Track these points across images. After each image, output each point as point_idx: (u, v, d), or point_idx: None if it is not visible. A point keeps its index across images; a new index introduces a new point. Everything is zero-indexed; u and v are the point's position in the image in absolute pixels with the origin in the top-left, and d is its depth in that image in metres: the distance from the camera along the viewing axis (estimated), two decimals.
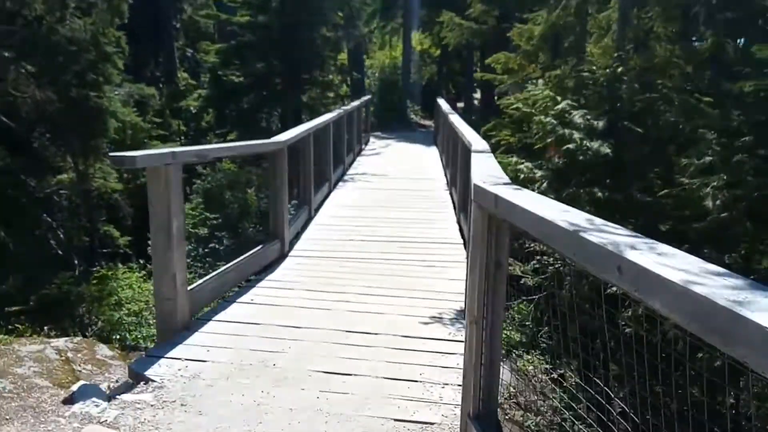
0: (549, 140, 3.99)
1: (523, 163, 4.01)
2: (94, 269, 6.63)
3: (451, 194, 8.37)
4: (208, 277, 4.06)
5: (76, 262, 7.04)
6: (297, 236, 6.25)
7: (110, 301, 5.63)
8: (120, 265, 6.97)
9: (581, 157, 3.58)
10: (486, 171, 2.75)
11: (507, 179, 2.39)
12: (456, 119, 8.39)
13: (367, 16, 19.44)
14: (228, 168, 10.90)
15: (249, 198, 11.27)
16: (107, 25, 7.74)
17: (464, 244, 5.94)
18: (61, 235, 7.10)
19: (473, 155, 3.83)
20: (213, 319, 3.79)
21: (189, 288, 3.67)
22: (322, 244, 5.91)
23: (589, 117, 3.75)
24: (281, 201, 5.39)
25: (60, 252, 6.95)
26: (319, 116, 11.83)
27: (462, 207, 6.72)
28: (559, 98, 4.17)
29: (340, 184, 9.34)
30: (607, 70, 4.02)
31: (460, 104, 24.12)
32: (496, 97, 11.66)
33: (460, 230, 6.52)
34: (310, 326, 3.70)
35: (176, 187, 3.45)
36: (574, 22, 5.90)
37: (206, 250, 8.18)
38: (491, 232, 2.13)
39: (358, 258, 5.44)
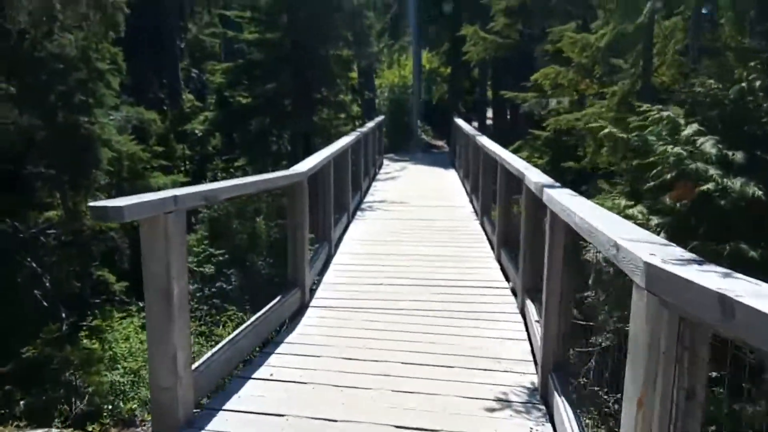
0: (670, 176, 3.20)
1: (633, 206, 3.21)
2: (84, 323, 5.83)
3: (482, 225, 7.58)
4: (216, 348, 3.25)
5: (63, 314, 6.26)
6: (317, 279, 5.46)
7: (103, 360, 4.85)
8: (115, 312, 6.20)
9: (722, 201, 2.81)
10: (618, 226, 1.95)
11: (676, 247, 1.57)
12: (488, 142, 7.63)
13: (375, 35, 18.89)
14: None
15: (259, 227, 10.54)
16: (100, 39, 7.01)
17: (512, 290, 5.13)
18: (47, 283, 6.34)
19: (548, 192, 3.05)
20: (223, 408, 2.97)
21: (193, 367, 2.87)
22: (347, 291, 5.10)
23: (721, 146, 2.99)
24: (302, 242, 4.60)
25: (45, 303, 6.18)
26: (330, 138, 11.12)
27: (503, 243, 5.92)
28: (682, 121, 3.39)
29: (359, 213, 8.56)
30: (736, 86, 3.28)
31: (474, 124, 23.45)
32: (530, 114, 10.89)
33: (502, 269, 5.71)
34: (349, 419, 2.88)
35: (179, 241, 2.67)
36: (643, 30, 5.20)
37: (213, 290, 7.40)
38: (684, 344, 1.32)
39: (391, 309, 4.62)
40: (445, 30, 23.26)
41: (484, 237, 7.14)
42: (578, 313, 3.12)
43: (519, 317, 4.46)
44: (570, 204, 2.56)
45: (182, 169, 12.91)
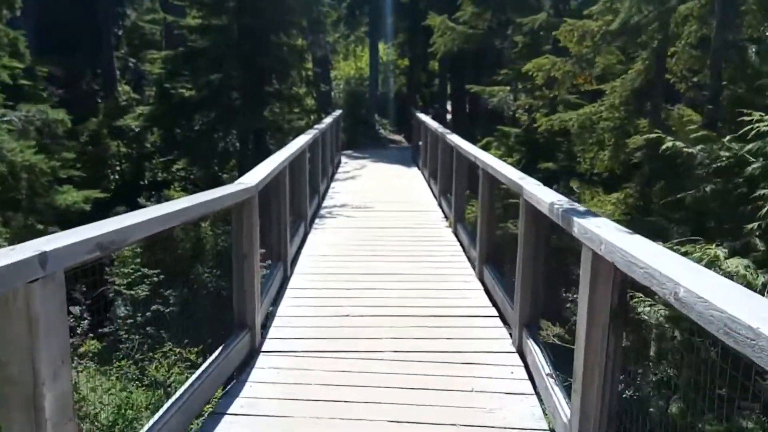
0: None
1: (727, 257, 2.48)
2: None
3: (456, 233, 6.82)
4: None
5: None
6: (271, 310, 4.55)
7: None
8: None
9: None
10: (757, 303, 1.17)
11: None
12: (462, 143, 6.87)
13: (330, 24, 17.86)
14: (179, 197, 9.06)
15: (204, 232, 9.51)
16: None
17: (500, 316, 4.38)
18: None
19: (584, 225, 2.27)
20: None
21: None
22: (307, 328, 4.22)
23: None
24: (251, 275, 3.69)
25: None
26: (284, 134, 10.11)
27: (486, 259, 5.17)
28: None
29: (317, 221, 7.64)
30: None
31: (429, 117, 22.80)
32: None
33: (486, 291, 4.96)
34: None
35: (54, 324, 1.73)
36: (663, 13, 4.55)
37: (148, 314, 6.34)
38: None
39: (364, 353, 3.77)
40: (402, 20, 22.45)
41: (460, 248, 6.39)
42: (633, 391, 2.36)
43: (518, 359, 3.71)
44: (634, 250, 1.77)
45: (112, 176, 11.43)
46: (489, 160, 5.16)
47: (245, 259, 3.64)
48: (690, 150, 3.20)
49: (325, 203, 8.90)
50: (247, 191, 3.65)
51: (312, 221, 7.48)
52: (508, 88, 10.16)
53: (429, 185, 10.25)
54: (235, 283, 3.69)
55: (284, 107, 11.43)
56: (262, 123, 9.90)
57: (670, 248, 1.95)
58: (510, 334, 4.04)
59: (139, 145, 11.87)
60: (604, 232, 1.96)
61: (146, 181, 11.29)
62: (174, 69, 10.75)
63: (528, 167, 8.45)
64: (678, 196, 3.43)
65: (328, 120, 11.06)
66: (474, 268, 5.49)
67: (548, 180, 6.97)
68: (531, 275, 3.70)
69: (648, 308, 2.45)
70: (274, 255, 5.29)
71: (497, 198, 6.10)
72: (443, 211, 8.21)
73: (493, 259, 5.21)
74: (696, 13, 4.72)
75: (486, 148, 9.58)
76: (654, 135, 3.79)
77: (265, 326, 4.18)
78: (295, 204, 6.80)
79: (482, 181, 5.18)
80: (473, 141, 8.99)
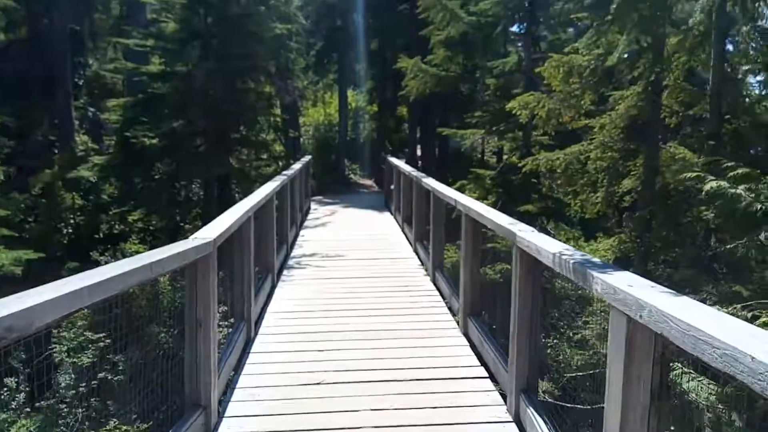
0: None
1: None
2: None
3: (435, 282, 6.39)
4: None
5: None
6: (232, 379, 3.97)
7: None
8: None
9: None
10: None
11: None
12: (440, 186, 6.54)
13: (299, 71, 17.78)
14: (135, 251, 8.46)
15: (162, 287, 8.88)
16: None
17: (490, 377, 3.91)
18: None
19: (598, 276, 1.87)
20: None
21: None
22: (273, 402, 3.65)
23: None
24: (206, 343, 3.15)
25: None
26: (251, 182, 9.66)
27: (471, 312, 4.72)
28: None
29: (285, 273, 7.11)
30: None
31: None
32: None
33: (472, 346, 4.49)
34: None
35: None
36: (656, 42, 4.34)
37: (94, 384, 5.62)
38: None
39: (342, 431, 3.23)
40: (372, 67, 22.61)
41: (440, 298, 5.94)
42: None
43: (515, 430, 3.23)
44: (701, 322, 1.36)
45: (65, 229, 10.61)
46: (472, 204, 4.80)
47: (200, 326, 3.11)
48: (735, 191, 2.87)
49: (294, 252, 8.38)
50: (202, 248, 3.16)
51: (280, 273, 6.95)
52: (482, 130, 10.00)
53: (403, 231, 9.85)
54: (188, 356, 3.14)
55: (251, 154, 11.01)
56: (227, 170, 9.42)
57: (734, 314, 1.55)
58: (504, 399, 3.57)
59: (96, 197, 11.18)
60: (647, 296, 1.56)
61: (102, 234, 10.59)
62: (134, 116, 10.24)
63: (504, 209, 8.17)
64: (728, 246, 3.06)
65: (297, 166, 10.66)
66: (458, 322, 5.03)
67: (527, 223, 6.68)
68: (528, 333, 3.27)
69: (692, 383, 2.03)
70: (237, 314, 4.75)
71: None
72: (419, 258, 7.79)
73: (478, 310, 4.78)
74: (688, 45, 4.57)
75: (460, 190, 9.29)
76: (693, 174, 3.43)
77: (224, 401, 3.61)
78: (261, 256, 6.30)
79: (465, 227, 4.80)
80: (445, 184, 8.72)
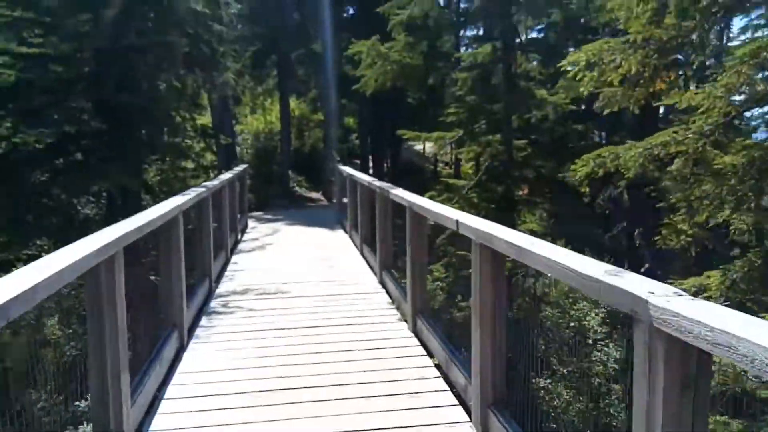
0: None
1: None
2: None
3: (416, 332, 4.52)
4: None
5: None
6: None
7: None
8: None
9: None
10: None
11: None
12: (418, 199, 4.72)
13: (234, 72, 15.62)
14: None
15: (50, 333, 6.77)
16: None
17: None
18: None
19: None
20: None
21: None
22: None
23: None
24: None
25: None
26: (168, 195, 7.52)
27: (494, 403, 2.89)
28: None
29: (203, 325, 5.03)
30: None
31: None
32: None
33: None
34: None
35: None
36: None
37: None
38: None
39: None
40: (318, 74, 20.69)
41: (427, 358, 4.09)
42: None
43: None
44: None
45: None
46: (484, 226, 2.98)
47: None
48: None
49: (221, 289, 6.30)
50: None
51: (194, 326, 4.89)
52: (451, 133, 8.30)
53: (363, 254, 7.95)
54: None
55: (169, 162, 8.85)
56: (126, 181, 7.10)
57: None
58: None
59: None
60: None
61: None
62: None
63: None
64: None
65: (226, 176, 8.57)
66: (469, 412, 3.17)
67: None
68: None
69: None
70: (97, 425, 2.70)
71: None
72: (388, 293, 5.91)
73: (504, 399, 2.95)
74: None
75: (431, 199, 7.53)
76: None
77: None
78: (162, 307, 4.27)
79: (478, 260, 2.96)
80: None
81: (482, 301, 2.90)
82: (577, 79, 4.83)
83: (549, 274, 2.39)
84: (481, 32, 9.98)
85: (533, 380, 6.08)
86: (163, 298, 4.44)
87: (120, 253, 2.83)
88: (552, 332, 7.33)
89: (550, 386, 6.42)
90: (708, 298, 3.65)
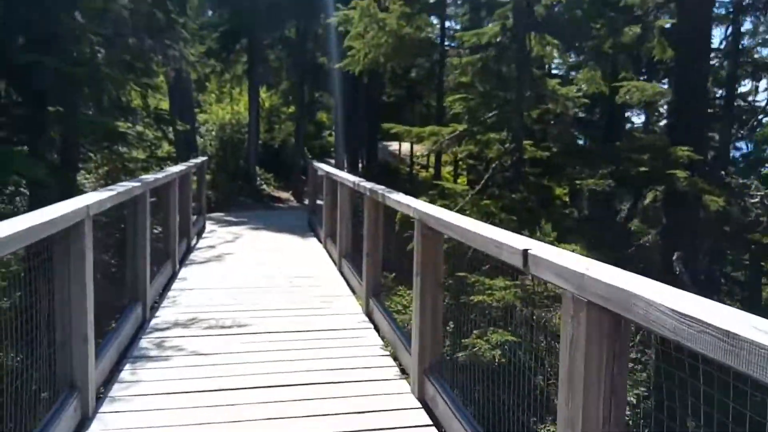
0: None
1: None
2: None
3: (423, 398, 3.19)
4: None
5: None
6: None
7: None
8: None
9: None
10: None
11: None
12: (434, 210, 3.38)
13: (196, 56, 14.00)
14: None
15: None
16: None
17: None
18: None
19: None
20: None
21: None
22: None
23: None
24: None
25: None
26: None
27: None
28: None
29: (124, 378, 3.57)
30: None
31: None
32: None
33: None
34: None
35: None
36: None
37: None
38: None
39: None
40: (295, 66, 19.16)
41: (432, 426, 2.80)
42: None
43: None
44: None
45: None
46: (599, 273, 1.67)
47: None
48: None
49: (159, 318, 4.82)
50: None
51: (111, 380, 3.44)
52: (448, 129, 7.03)
53: (341, 271, 6.57)
54: None
55: (104, 150, 7.28)
56: (37, 174, 5.38)
57: None
58: None
59: None
60: None
61: None
62: None
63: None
64: None
65: (176, 168, 7.05)
66: None
67: None
68: None
69: None
70: None
71: None
72: (377, 328, 4.56)
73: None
74: None
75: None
76: None
77: None
78: (56, 357, 2.84)
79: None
80: None
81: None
82: None
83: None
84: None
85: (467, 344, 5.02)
86: (57, 344, 2.99)
87: None
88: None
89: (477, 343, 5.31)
90: None
